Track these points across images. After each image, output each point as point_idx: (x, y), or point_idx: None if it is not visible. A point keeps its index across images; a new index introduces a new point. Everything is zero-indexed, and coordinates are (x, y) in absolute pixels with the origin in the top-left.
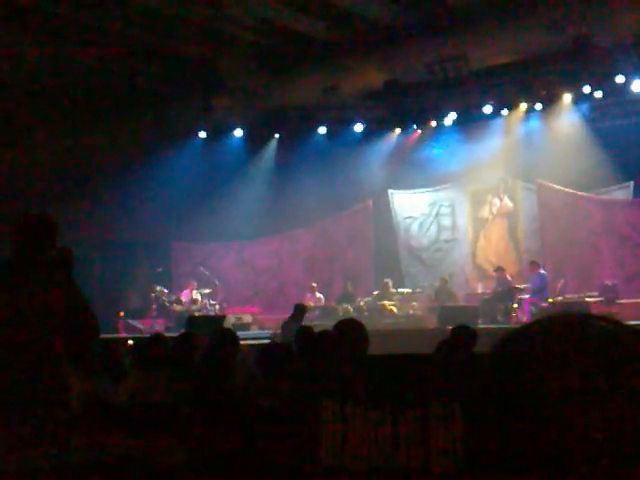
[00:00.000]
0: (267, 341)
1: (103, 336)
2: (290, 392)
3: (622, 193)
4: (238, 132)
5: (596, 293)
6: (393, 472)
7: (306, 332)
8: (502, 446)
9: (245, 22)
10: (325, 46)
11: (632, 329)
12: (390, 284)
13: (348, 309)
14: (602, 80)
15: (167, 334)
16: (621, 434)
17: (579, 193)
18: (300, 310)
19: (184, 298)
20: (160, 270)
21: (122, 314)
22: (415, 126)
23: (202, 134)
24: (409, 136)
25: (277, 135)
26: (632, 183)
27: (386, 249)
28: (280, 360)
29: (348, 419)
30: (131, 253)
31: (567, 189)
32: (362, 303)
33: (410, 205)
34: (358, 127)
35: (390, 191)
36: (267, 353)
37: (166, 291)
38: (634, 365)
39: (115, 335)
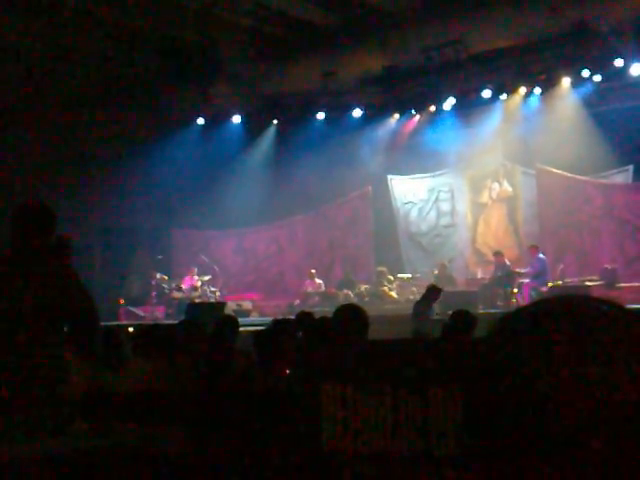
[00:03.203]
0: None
1: (104, 323)
2: (290, 377)
3: (621, 177)
4: (236, 119)
5: (596, 277)
6: (393, 457)
7: (306, 317)
8: (501, 429)
9: (243, 8)
10: (323, 32)
11: (632, 312)
12: (385, 271)
13: (349, 295)
14: (601, 64)
15: (167, 321)
16: (614, 417)
17: (578, 177)
18: (432, 291)
19: (184, 285)
20: (160, 257)
21: (122, 301)
22: (414, 111)
23: (200, 121)
24: (408, 121)
25: (275, 121)
26: (631, 167)
27: (386, 235)
28: (279, 345)
29: (348, 403)
30: (131, 240)
31: (566, 173)
32: (362, 289)
33: (409, 190)
34: (357, 113)
35: (389, 177)
36: (264, 338)
37: (166, 278)
38: (632, 348)
39: (116, 322)
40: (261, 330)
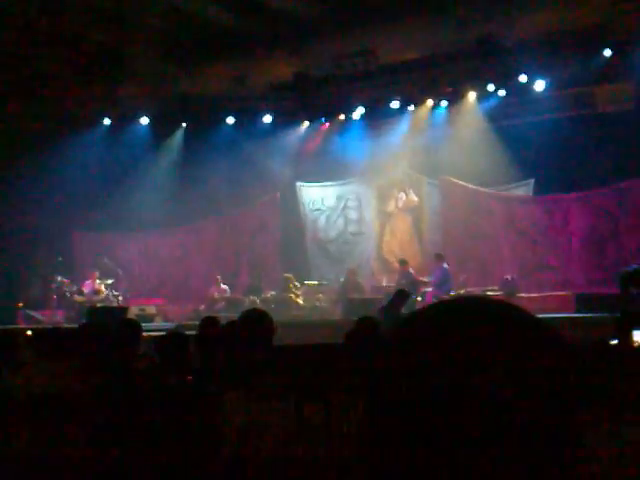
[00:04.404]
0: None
1: (1, 327)
2: (193, 384)
3: (522, 190)
4: (144, 120)
5: (496, 287)
6: (296, 462)
7: (210, 322)
8: (401, 434)
9: (153, 9)
10: (234, 36)
11: (526, 314)
12: (291, 277)
13: (255, 301)
14: (506, 79)
15: (68, 325)
16: (516, 422)
17: (481, 189)
18: (400, 295)
19: (86, 289)
20: (61, 260)
21: (21, 304)
22: (323, 119)
23: (107, 121)
24: (317, 129)
25: (184, 124)
26: (532, 181)
27: (293, 241)
28: (180, 350)
29: (251, 410)
30: (32, 242)
31: (470, 185)
32: (269, 295)
33: (318, 198)
34: (267, 118)
35: (298, 183)
36: (166, 343)
37: (67, 281)
38: (523, 350)
39: (14, 326)
40: (163, 335)
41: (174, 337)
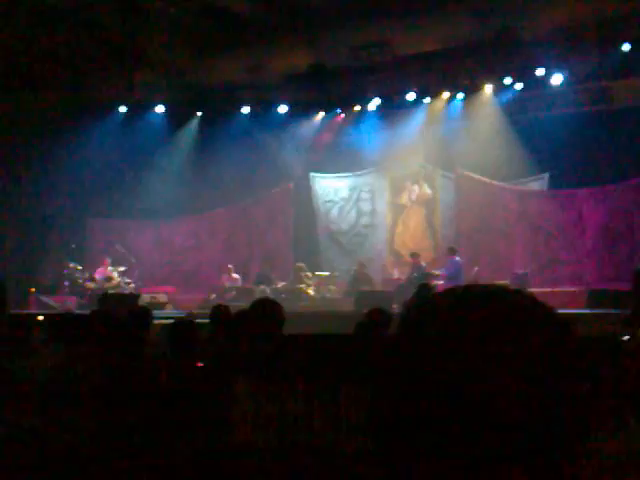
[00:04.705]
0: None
1: (13, 312)
2: (203, 371)
3: (537, 184)
4: (160, 108)
5: (508, 281)
6: (304, 449)
7: (222, 311)
8: (411, 428)
9: None
10: (251, 25)
11: (547, 308)
12: (304, 267)
13: (265, 291)
14: (523, 72)
15: (79, 311)
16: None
17: (495, 183)
18: (423, 289)
19: (98, 276)
20: (74, 246)
21: (33, 290)
22: (339, 110)
23: (122, 109)
24: (332, 120)
25: (199, 113)
26: (547, 175)
27: (305, 232)
28: (189, 338)
29: (261, 397)
30: (45, 228)
31: (484, 178)
32: (279, 285)
33: (331, 189)
34: (282, 109)
35: (311, 174)
36: (175, 331)
37: (80, 268)
38: (543, 343)
39: (26, 311)
40: (173, 322)
41: (183, 324)
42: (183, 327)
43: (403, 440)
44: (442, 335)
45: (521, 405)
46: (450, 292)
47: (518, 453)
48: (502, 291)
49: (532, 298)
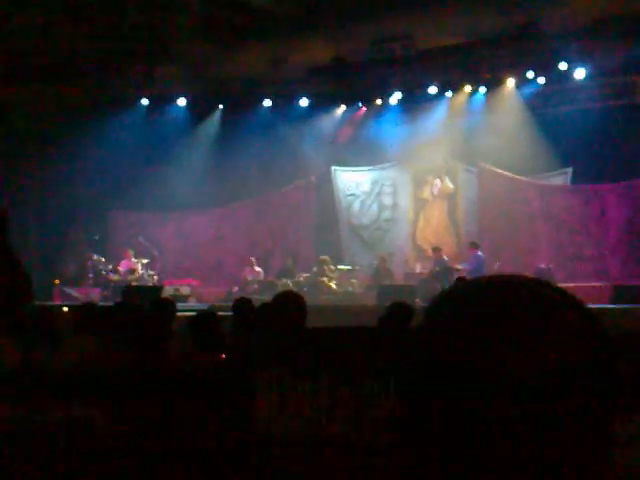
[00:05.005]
0: None
1: (38, 303)
2: (226, 363)
3: (561, 179)
4: (181, 101)
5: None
6: (326, 442)
7: (244, 304)
8: (431, 422)
9: None
10: (273, 19)
11: (575, 299)
12: (328, 260)
13: (287, 284)
14: (546, 66)
15: (103, 303)
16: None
17: (518, 177)
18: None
19: (122, 268)
20: (97, 238)
21: (57, 282)
22: (360, 104)
23: (144, 101)
24: (354, 113)
25: (221, 106)
26: (570, 169)
27: (327, 226)
28: (212, 330)
29: (284, 390)
30: (69, 220)
31: (507, 173)
32: (301, 279)
33: (353, 183)
34: (303, 102)
35: (333, 168)
36: (198, 323)
37: (103, 260)
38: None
39: (50, 303)
40: (196, 315)
41: (206, 317)
42: (205, 320)
43: (425, 433)
44: (466, 325)
45: (544, 398)
46: (474, 282)
47: (539, 446)
48: (529, 282)
49: (560, 290)
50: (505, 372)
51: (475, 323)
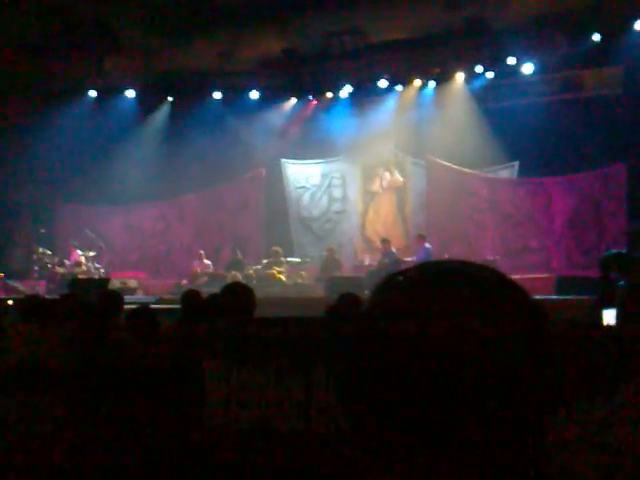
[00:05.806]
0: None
1: None
2: (174, 355)
3: (507, 172)
4: (130, 93)
5: None
6: (276, 433)
7: (192, 295)
8: (380, 407)
9: None
10: (223, 10)
11: (518, 286)
12: (280, 252)
13: (237, 276)
14: (494, 61)
15: (49, 296)
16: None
17: (466, 170)
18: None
19: (68, 261)
20: (43, 231)
21: (1, 275)
22: (311, 97)
23: (92, 93)
24: (304, 106)
25: (170, 98)
26: (517, 163)
27: (277, 218)
28: (150, 324)
29: (233, 381)
30: (14, 214)
31: (455, 166)
32: (251, 271)
33: (302, 175)
34: (254, 94)
35: (283, 160)
36: (139, 316)
37: (49, 253)
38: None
39: None
40: (142, 307)
41: (140, 312)
42: (140, 314)
43: (374, 418)
44: (409, 310)
45: (488, 383)
46: (417, 269)
47: (484, 431)
48: (470, 267)
49: (503, 276)
50: (447, 357)
51: (416, 308)
